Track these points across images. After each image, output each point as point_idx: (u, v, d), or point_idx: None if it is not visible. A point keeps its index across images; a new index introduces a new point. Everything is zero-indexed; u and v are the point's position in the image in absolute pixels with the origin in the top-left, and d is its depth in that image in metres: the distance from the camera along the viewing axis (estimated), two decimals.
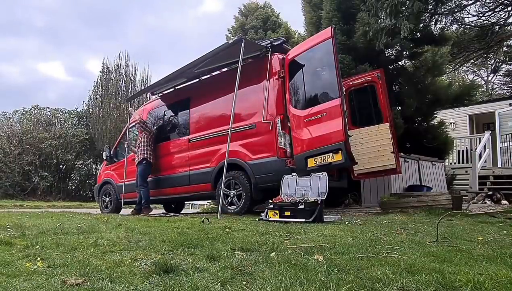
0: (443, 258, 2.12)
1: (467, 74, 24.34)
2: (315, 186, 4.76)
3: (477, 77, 25.17)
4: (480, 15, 8.81)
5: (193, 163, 6.84)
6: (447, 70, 11.80)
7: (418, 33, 8.89)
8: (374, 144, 6.16)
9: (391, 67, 9.64)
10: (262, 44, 6.38)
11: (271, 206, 4.80)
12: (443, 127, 9.98)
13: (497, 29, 9.37)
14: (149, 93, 10.13)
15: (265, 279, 1.68)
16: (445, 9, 7.39)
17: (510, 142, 11.34)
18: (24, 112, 20.38)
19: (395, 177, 7.09)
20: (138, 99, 21.04)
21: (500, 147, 11.79)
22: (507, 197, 9.01)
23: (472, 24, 9.56)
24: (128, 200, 8.40)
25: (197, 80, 7.54)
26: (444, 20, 7.83)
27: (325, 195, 4.58)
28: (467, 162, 11.26)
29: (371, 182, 7.40)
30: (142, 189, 7.12)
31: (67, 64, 65.06)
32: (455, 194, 6.95)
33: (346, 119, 5.22)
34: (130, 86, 21.30)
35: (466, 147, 12.08)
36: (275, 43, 6.18)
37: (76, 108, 21.32)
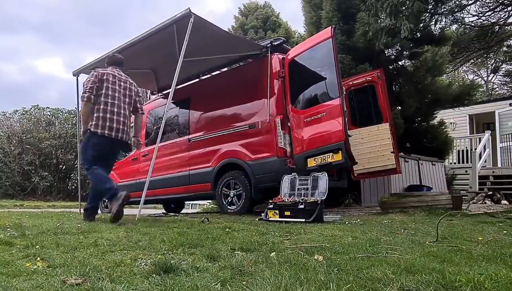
0: (443, 258, 2.12)
1: (467, 74, 24.38)
2: (315, 186, 4.76)
3: (477, 77, 25.21)
4: (480, 15, 8.84)
5: (193, 162, 6.84)
6: (447, 70, 11.81)
7: (418, 33, 8.90)
8: (374, 145, 6.16)
9: (391, 67, 9.64)
10: (262, 44, 6.38)
11: (271, 206, 4.80)
12: (443, 127, 9.98)
13: (497, 29, 9.38)
14: (149, 92, 10.10)
15: (265, 279, 1.67)
16: (445, 9, 7.39)
17: (510, 142, 11.35)
18: (24, 112, 20.39)
19: (395, 177, 7.09)
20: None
21: (500, 147, 11.80)
22: (507, 197, 9.02)
23: (472, 24, 9.58)
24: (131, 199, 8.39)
25: (197, 80, 7.54)
26: (444, 20, 7.83)
27: (325, 195, 4.58)
28: (467, 162, 11.26)
29: (371, 182, 7.40)
30: None
31: (67, 62, 64.94)
32: (455, 194, 6.95)
33: (346, 119, 5.22)
34: None
35: (466, 147, 12.08)
36: (275, 43, 6.18)
37: (76, 108, 21.31)
